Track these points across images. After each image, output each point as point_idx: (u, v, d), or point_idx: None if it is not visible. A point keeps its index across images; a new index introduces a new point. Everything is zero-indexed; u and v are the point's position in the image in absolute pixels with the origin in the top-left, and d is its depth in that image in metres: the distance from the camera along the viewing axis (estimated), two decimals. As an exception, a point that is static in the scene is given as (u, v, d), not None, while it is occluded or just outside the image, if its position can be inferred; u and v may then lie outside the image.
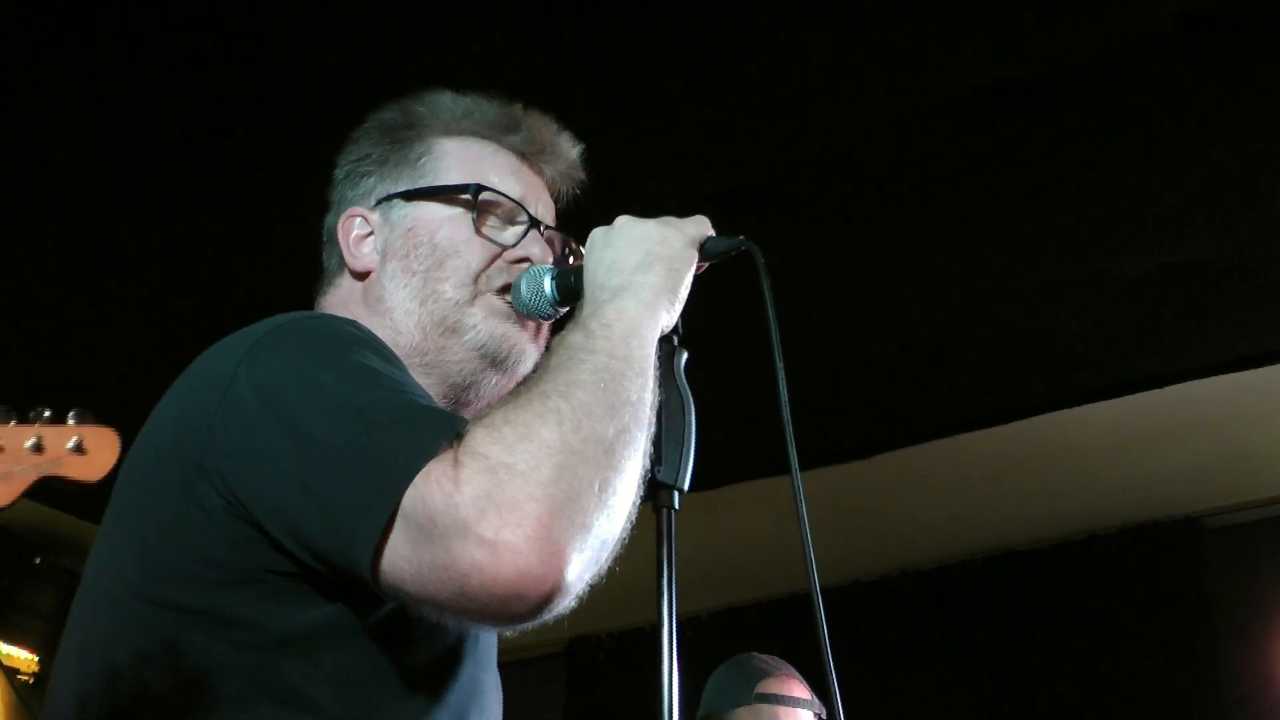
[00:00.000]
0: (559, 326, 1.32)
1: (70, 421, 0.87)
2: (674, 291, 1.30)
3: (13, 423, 0.85)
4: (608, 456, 1.08)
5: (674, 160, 2.94)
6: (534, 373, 1.17)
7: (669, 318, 1.30)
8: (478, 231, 1.39)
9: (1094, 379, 3.79)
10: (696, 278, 1.35)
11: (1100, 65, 2.68)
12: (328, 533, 1.05)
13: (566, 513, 1.02)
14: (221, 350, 1.20)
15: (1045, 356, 3.69)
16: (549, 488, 1.02)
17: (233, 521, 1.10)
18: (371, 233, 1.41)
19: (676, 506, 1.28)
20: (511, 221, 1.42)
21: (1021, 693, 4.40)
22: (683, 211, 1.38)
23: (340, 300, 1.42)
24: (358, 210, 1.43)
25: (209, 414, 1.12)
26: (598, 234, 1.35)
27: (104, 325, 3.45)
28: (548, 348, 1.25)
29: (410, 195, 1.41)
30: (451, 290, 1.36)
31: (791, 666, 2.75)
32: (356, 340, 1.19)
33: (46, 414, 0.87)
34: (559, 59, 2.65)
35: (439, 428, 1.06)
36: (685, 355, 1.35)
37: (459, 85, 1.49)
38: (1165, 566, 4.33)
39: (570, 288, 1.37)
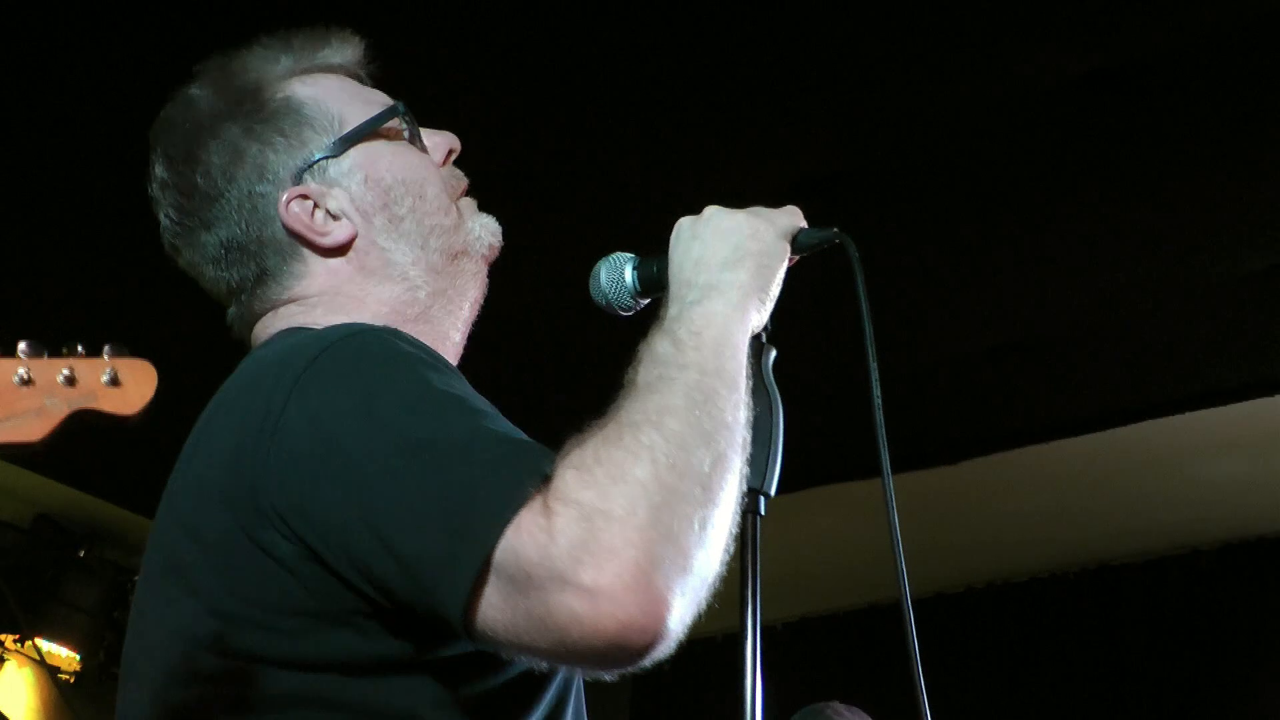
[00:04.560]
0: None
1: (104, 355, 0.83)
2: (765, 290, 1.24)
3: (44, 356, 0.82)
4: (705, 491, 1.02)
5: (757, 148, 2.88)
6: (623, 391, 1.10)
7: (760, 317, 1.23)
8: (421, 149, 1.36)
9: (1196, 384, 3.67)
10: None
11: (1206, 53, 2.58)
12: (412, 586, 1.00)
13: (666, 555, 0.96)
14: (264, 378, 1.10)
15: (1145, 360, 3.58)
16: (647, 532, 0.96)
17: (306, 565, 1.05)
18: (316, 205, 1.30)
19: (763, 512, 1.23)
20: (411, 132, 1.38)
21: (1112, 715, 4.27)
22: (766, 201, 1.32)
23: (325, 288, 1.30)
24: (293, 192, 1.30)
25: (260, 454, 1.06)
26: (684, 224, 1.29)
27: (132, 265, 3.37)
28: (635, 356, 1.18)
29: (340, 146, 1.31)
30: (443, 217, 1.33)
31: (869, 717, 2.71)
32: (410, 357, 1.11)
33: (80, 348, 0.83)
34: (644, 47, 2.59)
35: (525, 470, 1.00)
36: (774, 353, 1.29)
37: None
38: (1270, 585, 4.19)
39: (653, 278, 1.32)
